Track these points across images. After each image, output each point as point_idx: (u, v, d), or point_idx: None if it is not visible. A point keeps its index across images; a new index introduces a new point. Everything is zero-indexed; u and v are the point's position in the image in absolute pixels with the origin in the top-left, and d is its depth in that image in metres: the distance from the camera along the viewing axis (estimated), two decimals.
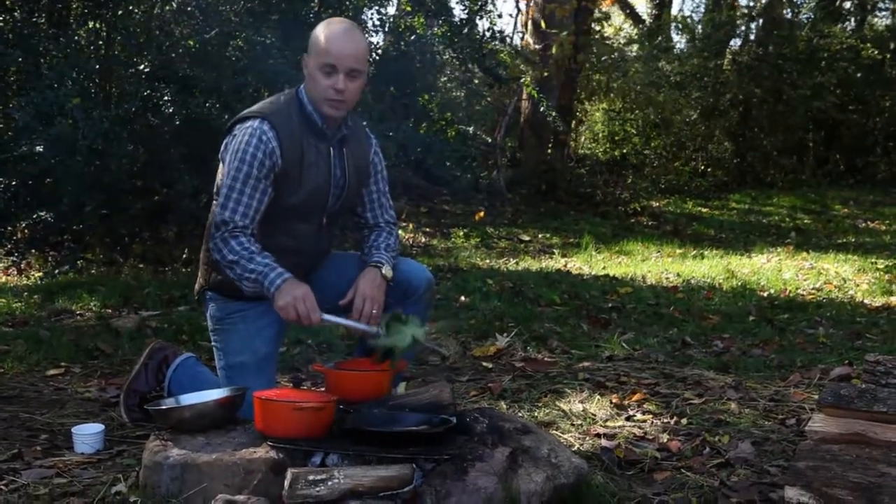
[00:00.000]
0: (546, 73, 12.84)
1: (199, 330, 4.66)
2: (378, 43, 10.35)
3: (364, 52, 3.01)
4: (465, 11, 9.91)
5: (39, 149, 5.90)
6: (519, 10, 15.90)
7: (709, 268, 8.20)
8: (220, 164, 3.07)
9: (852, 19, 19.67)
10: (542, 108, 10.93)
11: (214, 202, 3.11)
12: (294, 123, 2.99)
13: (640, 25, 19.78)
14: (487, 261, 8.53)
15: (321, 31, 2.98)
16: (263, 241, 2.96)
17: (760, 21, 18.34)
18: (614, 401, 3.68)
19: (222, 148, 3.06)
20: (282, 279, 2.82)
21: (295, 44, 7.14)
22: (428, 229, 10.25)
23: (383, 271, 3.05)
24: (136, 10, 7.34)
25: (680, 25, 18.92)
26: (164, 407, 2.86)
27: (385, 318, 2.96)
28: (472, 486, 2.41)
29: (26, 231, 6.93)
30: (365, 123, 3.42)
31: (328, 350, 4.63)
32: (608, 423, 3.41)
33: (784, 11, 18.46)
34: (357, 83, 3.00)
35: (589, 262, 8.62)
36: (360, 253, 3.24)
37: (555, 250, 9.61)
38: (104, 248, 7.08)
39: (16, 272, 6.84)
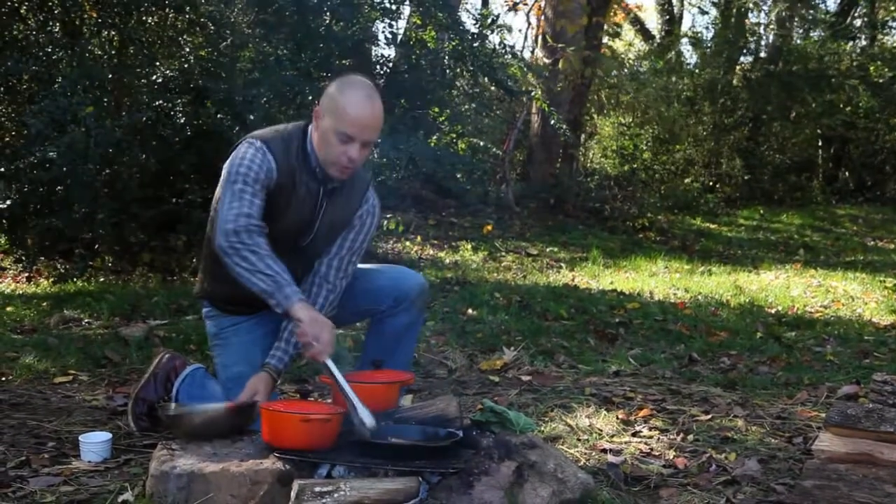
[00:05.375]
0: (559, 88, 12.88)
1: (207, 339, 4.66)
2: (389, 56, 10.40)
3: (381, 120, 2.97)
4: (477, 26, 9.96)
5: (52, 155, 5.93)
6: (529, 24, 15.94)
7: (716, 284, 8.19)
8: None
9: (862, 38, 19.68)
10: (553, 121, 10.96)
11: (213, 211, 3.12)
12: (293, 156, 2.99)
13: (651, 41, 19.82)
14: (495, 274, 8.54)
15: (341, 95, 2.91)
16: None
17: (770, 38, 18.37)
18: (621, 416, 3.68)
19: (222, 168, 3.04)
20: (301, 294, 2.82)
21: (306, 56, 7.19)
22: (436, 241, 10.26)
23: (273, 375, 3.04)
24: (149, 21, 7.40)
25: (690, 41, 18.95)
26: (174, 412, 2.87)
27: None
28: (478, 499, 2.42)
29: (36, 238, 6.96)
30: (370, 179, 3.33)
31: (335, 362, 4.62)
32: (614, 439, 3.40)
33: (794, 29, 18.48)
34: (368, 149, 2.99)
35: (596, 277, 8.61)
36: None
37: (562, 264, 9.61)
38: (113, 257, 7.11)
39: (25, 279, 6.87)
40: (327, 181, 3.04)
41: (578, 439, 3.38)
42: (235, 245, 2.81)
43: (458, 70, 10.04)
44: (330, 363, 2.77)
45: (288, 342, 3.05)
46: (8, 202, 6.35)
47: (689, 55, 19.36)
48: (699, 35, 19.31)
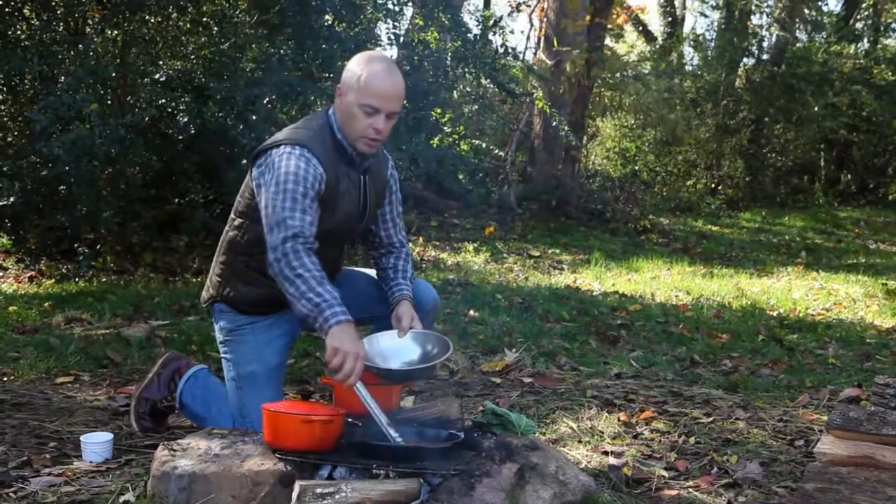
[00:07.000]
0: (561, 90, 12.87)
1: (209, 340, 4.66)
2: (391, 57, 10.38)
3: (403, 91, 3.01)
4: (479, 27, 9.96)
5: (59, 152, 5.94)
6: (532, 25, 15.94)
7: (718, 286, 8.18)
8: (258, 190, 2.94)
9: (865, 40, 19.68)
10: (554, 123, 10.95)
11: (235, 221, 3.11)
12: (329, 151, 2.98)
13: (653, 43, 19.82)
14: (497, 276, 8.53)
15: (363, 69, 2.93)
16: None
17: (773, 40, 18.37)
18: (622, 418, 3.68)
19: (256, 173, 2.97)
20: (345, 317, 2.66)
21: (308, 56, 7.19)
22: (437, 243, 10.25)
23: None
24: (151, 20, 7.41)
25: (692, 43, 18.96)
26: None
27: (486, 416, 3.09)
28: (480, 501, 2.42)
29: (38, 238, 6.97)
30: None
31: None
32: (616, 441, 3.40)
33: (797, 31, 18.48)
34: (393, 121, 3.01)
35: (598, 279, 8.61)
36: (379, 275, 3.26)
37: (564, 266, 9.60)
38: (116, 257, 7.11)
39: (27, 280, 6.88)
40: (362, 163, 3.08)
41: (580, 441, 3.38)
42: (284, 270, 2.73)
43: (461, 71, 10.04)
44: (359, 388, 2.66)
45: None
46: (11, 199, 6.34)
47: (692, 57, 19.38)
48: (701, 37, 19.32)
